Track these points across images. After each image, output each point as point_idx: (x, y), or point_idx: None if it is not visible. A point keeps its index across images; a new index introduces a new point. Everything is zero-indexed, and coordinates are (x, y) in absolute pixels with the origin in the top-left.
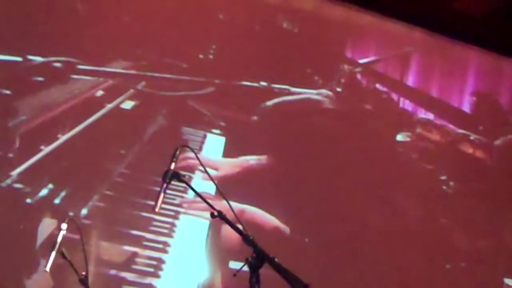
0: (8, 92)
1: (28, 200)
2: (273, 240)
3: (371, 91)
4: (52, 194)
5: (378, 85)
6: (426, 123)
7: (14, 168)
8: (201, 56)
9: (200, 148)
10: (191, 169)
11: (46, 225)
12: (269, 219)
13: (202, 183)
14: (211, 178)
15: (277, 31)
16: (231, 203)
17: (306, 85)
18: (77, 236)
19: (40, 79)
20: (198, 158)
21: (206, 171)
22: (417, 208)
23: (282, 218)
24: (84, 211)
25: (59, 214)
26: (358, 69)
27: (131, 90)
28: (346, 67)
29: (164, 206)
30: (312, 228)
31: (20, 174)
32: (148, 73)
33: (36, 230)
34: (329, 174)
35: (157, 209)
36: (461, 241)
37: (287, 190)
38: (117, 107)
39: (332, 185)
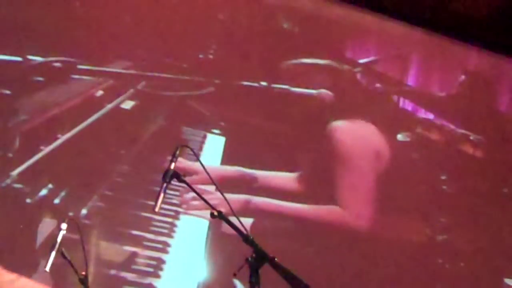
0: (8, 92)
1: (28, 200)
2: (282, 226)
3: (371, 91)
4: (52, 194)
5: (378, 85)
6: (426, 123)
7: (14, 168)
8: (201, 56)
9: (200, 148)
10: None
11: (46, 225)
12: (277, 204)
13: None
14: (211, 178)
15: (277, 31)
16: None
17: (306, 85)
18: (77, 236)
19: (40, 79)
20: (198, 158)
21: (207, 172)
22: (416, 207)
23: None
24: (84, 211)
25: (59, 214)
26: (358, 69)
27: (131, 90)
28: (346, 67)
29: (164, 206)
30: None
31: (20, 174)
32: (148, 73)
33: (36, 230)
34: None
35: (157, 209)
36: (461, 241)
37: None
38: (117, 107)
39: None
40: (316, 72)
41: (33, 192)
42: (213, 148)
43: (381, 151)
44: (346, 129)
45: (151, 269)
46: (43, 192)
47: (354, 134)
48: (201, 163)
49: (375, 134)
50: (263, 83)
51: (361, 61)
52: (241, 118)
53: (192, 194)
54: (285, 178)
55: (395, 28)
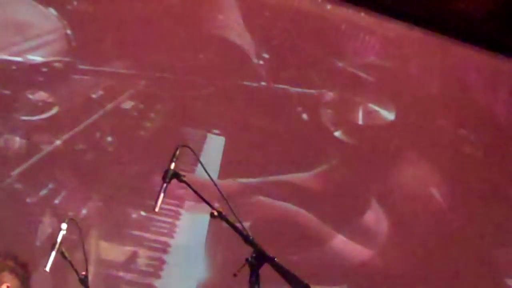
0: (8, 92)
1: (28, 200)
2: None
3: (371, 91)
4: (52, 194)
5: (378, 85)
6: (425, 122)
7: (14, 168)
8: (201, 56)
9: (200, 148)
10: None
11: (46, 225)
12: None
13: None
14: (212, 180)
15: (277, 31)
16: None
17: (306, 85)
18: (77, 236)
19: (40, 79)
20: (198, 158)
21: (207, 172)
22: (417, 207)
23: None
24: (84, 211)
25: (59, 214)
26: (358, 69)
27: (131, 90)
28: (345, 67)
29: (164, 206)
30: None
31: (20, 174)
32: (148, 73)
33: (36, 230)
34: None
35: (157, 209)
36: (461, 240)
37: None
38: (117, 107)
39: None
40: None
41: (33, 192)
42: (213, 148)
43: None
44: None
45: (151, 269)
46: (43, 192)
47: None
48: (201, 164)
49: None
50: (263, 83)
51: (361, 61)
52: (241, 118)
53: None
54: None
55: (395, 28)
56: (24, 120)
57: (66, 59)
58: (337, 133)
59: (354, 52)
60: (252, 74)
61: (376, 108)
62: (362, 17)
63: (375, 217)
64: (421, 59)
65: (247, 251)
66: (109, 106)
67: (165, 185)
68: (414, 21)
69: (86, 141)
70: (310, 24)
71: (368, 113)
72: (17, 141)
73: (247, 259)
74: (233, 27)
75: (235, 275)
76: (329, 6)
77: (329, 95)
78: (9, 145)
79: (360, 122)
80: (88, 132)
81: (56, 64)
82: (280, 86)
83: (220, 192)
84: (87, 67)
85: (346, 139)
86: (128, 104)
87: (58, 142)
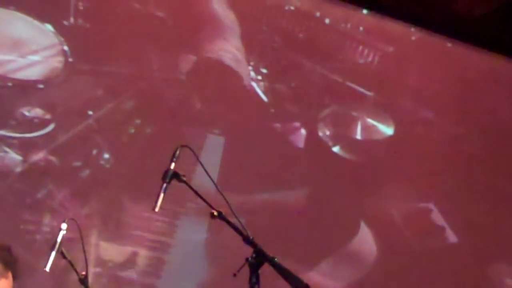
0: (3, 108)
1: (28, 200)
2: None
3: (370, 105)
4: (52, 194)
5: (377, 85)
6: (425, 123)
7: (14, 167)
8: (201, 56)
9: (200, 148)
10: None
11: (46, 225)
12: None
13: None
14: (211, 179)
15: (277, 31)
16: None
17: (304, 100)
18: (77, 236)
19: (40, 79)
20: (198, 158)
21: (206, 173)
22: (416, 206)
23: None
24: (84, 211)
25: (59, 214)
26: (356, 83)
27: (131, 90)
28: (346, 67)
29: (164, 206)
30: None
31: (20, 174)
32: (148, 74)
33: (36, 230)
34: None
35: (157, 209)
36: (460, 240)
37: None
38: (117, 106)
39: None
40: None
41: (33, 192)
42: (213, 148)
43: None
44: None
45: (151, 269)
46: (43, 192)
47: None
48: (201, 164)
49: None
50: (263, 83)
51: (361, 61)
52: (241, 119)
53: None
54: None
55: (395, 28)
56: (20, 138)
57: (66, 59)
58: (335, 149)
59: (353, 52)
60: (252, 74)
61: (375, 122)
62: (362, 17)
63: (365, 238)
64: (421, 60)
65: (247, 251)
66: (109, 106)
67: (165, 185)
68: (414, 21)
69: (86, 141)
70: (310, 24)
71: (366, 128)
72: (17, 141)
73: (247, 259)
74: (230, 50)
75: (235, 275)
76: (329, 6)
77: (328, 110)
78: (9, 145)
79: (359, 137)
80: (88, 132)
81: (56, 64)
82: (280, 86)
83: (221, 192)
84: (87, 67)
85: (345, 155)
86: (128, 104)
87: (58, 142)
